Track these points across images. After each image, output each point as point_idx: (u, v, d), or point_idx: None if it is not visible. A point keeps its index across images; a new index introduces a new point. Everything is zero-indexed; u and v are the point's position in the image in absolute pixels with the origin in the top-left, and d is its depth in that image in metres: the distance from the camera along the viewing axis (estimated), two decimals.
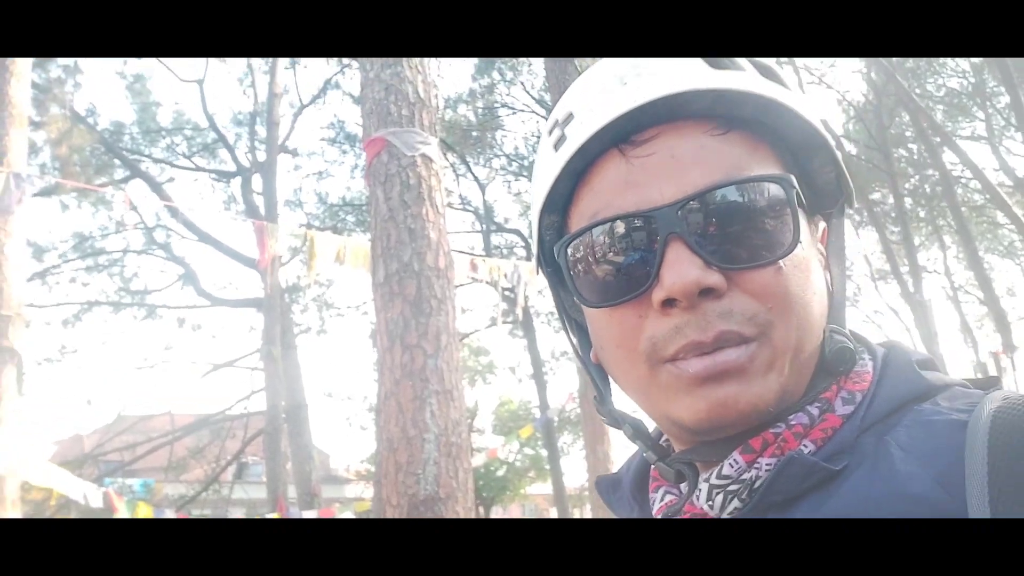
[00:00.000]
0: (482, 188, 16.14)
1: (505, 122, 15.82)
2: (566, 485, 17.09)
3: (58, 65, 12.95)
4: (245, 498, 16.00)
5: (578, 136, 0.55)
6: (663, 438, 0.63)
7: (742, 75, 0.54)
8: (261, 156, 14.35)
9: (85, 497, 7.22)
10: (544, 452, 20.06)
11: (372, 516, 3.99)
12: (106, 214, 14.76)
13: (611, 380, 0.62)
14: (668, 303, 0.51)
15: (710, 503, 0.53)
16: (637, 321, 0.53)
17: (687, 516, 0.55)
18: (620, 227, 0.53)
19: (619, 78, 0.55)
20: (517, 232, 17.13)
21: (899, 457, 0.48)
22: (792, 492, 0.50)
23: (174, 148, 15.74)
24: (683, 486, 0.59)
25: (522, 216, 17.79)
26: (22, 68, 7.38)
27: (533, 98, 15.44)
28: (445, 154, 14.85)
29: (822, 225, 0.61)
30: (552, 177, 0.57)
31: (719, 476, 0.53)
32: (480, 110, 15.67)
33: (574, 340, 0.67)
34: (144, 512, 8.02)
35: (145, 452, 14.22)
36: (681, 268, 0.50)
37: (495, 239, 16.31)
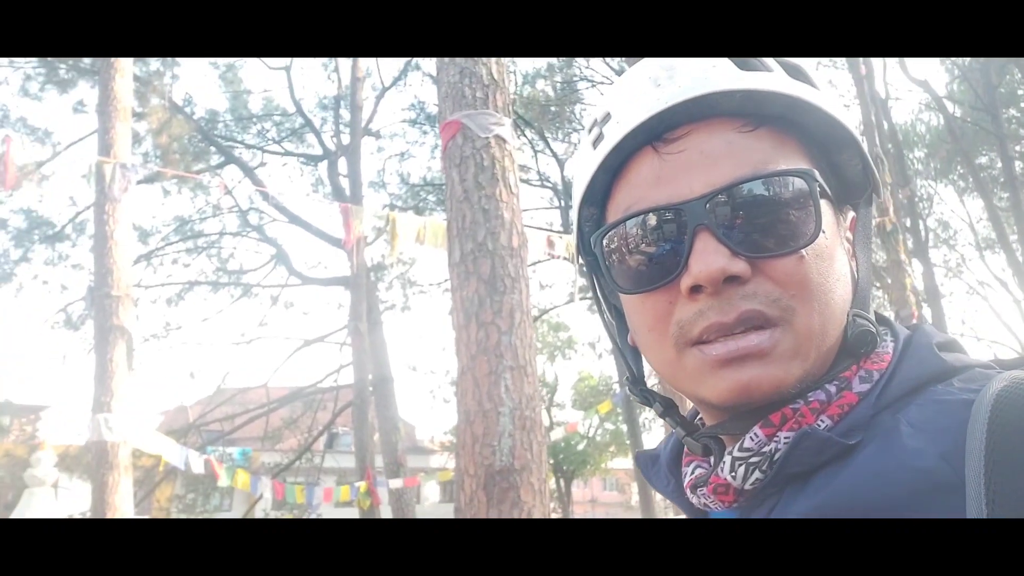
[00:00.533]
0: (560, 164, 16.08)
1: (584, 95, 15.67)
2: None
3: (156, 57, 13.67)
4: (336, 467, 16.67)
5: (614, 135, 0.59)
6: (698, 416, 0.68)
7: (770, 76, 0.58)
8: (346, 139, 14.76)
9: (188, 463, 7.73)
10: (624, 427, 20.05)
11: (454, 485, 4.15)
12: (204, 199, 15.50)
13: (644, 362, 0.67)
14: (695, 289, 0.55)
15: (733, 474, 0.57)
16: (667, 307, 0.57)
17: (712, 486, 0.59)
18: (652, 219, 0.57)
19: (653, 80, 0.59)
20: None
21: (908, 433, 0.50)
22: (807, 465, 0.53)
23: (264, 134, 16.34)
24: (712, 459, 0.63)
25: None
26: (125, 64, 7.85)
27: (613, 69, 15.23)
28: (523, 130, 14.87)
29: (851, 215, 0.64)
30: (590, 172, 0.62)
31: (741, 449, 0.57)
32: (558, 84, 15.59)
33: (612, 324, 0.71)
34: (242, 478, 8.53)
35: (243, 423, 14.98)
36: (708, 257, 0.54)
37: (573, 214, 16.26)
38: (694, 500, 0.63)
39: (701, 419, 0.67)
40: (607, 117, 0.61)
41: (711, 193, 0.55)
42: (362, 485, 10.27)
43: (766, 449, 0.56)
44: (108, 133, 7.27)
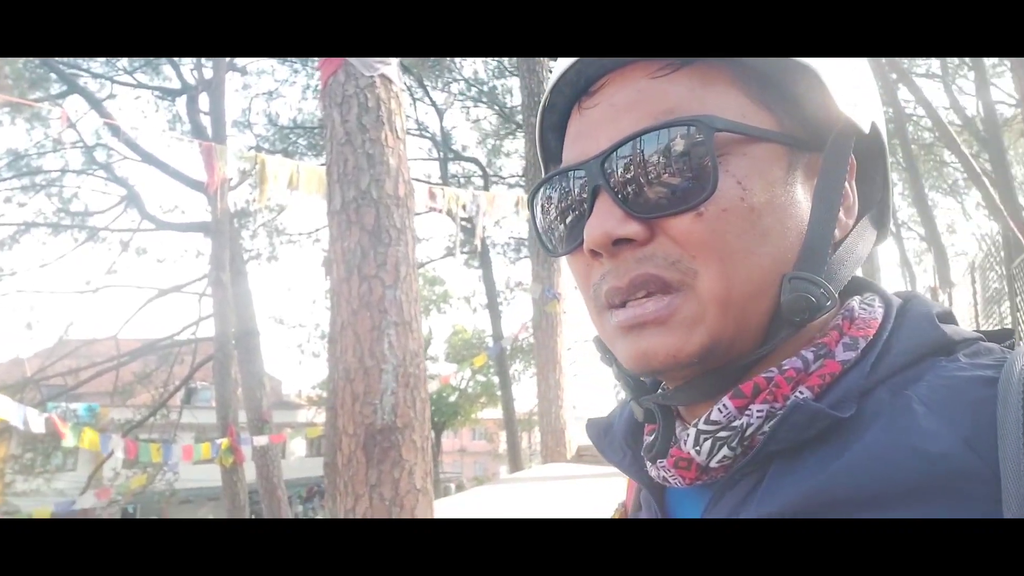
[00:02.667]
0: (440, 113, 15.74)
1: None
2: (516, 410, 17.44)
3: None
4: (194, 423, 15.94)
5: (548, 93, 0.57)
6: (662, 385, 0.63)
7: None
8: (208, 74, 13.68)
9: (26, 422, 7.06)
10: (496, 379, 20.39)
11: (325, 442, 3.98)
12: (43, 131, 14.02)
13: None
14: (594, 253, 0.52)
15: (697, 448, 0.52)
16: (585, 269, 0.55)
17: (673, 459, 0.54)
18: (563, 180, 0.55)
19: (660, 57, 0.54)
20: (475, 161, 16.85)
21: (921, 413, 0.45)
22: (795, 440, 0.48)
23: (114, 63, 14.90)
24: (660, 429, 0.57)
25: (480, 144, 17.48)
26: None
27: None
28: (402, 77, 14.40)
29: (821, 160, 0.55)
30: (538, 134, 0.61)
31: (707, 422, 0.52)
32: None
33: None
34: (90, 437, 7.90)
35: (89, 377, 13.97)
36: (598, 220, 0.51)
37: (452, 167, 16.05)
38: (652, 472, 0.57)
39: (665, 385, 0.61)
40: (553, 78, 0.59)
41: (608, 149, 0.52)
42: (224, 442, 9.80)
43: (736, 423, 0.51)
44: None
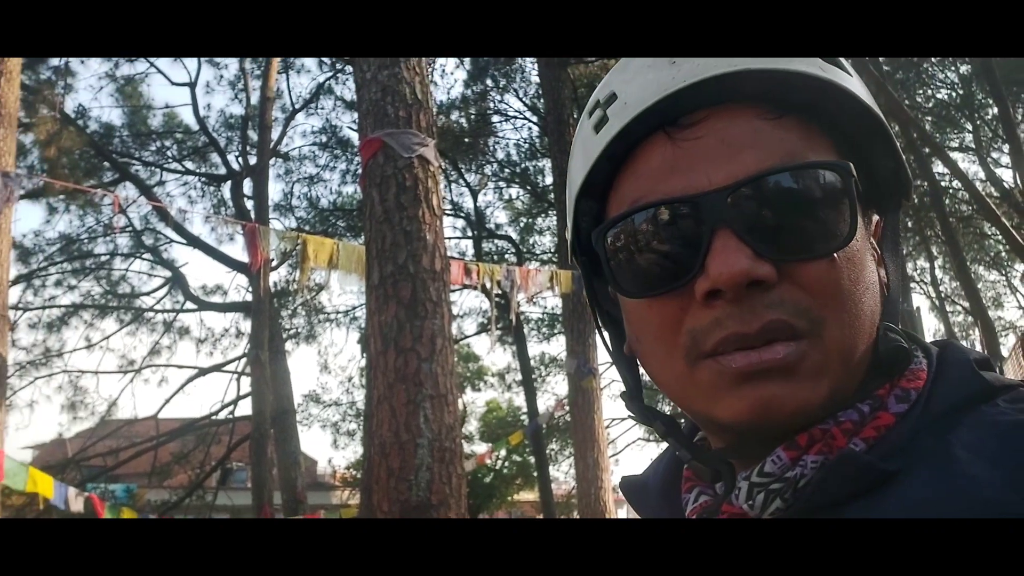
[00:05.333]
0: (474, 194, 16.12)
1: (498, 128, 15.81)
2: (554, 492, 17.02)
3: (48, 67, 12.85)
4: (229, 504, 15.85)
5: (621, 117, 0.52)
6: (697, 436, 0.61)
7: (799, 58, 0.52)
8: (252, 160, 14.26)
9: (67, 502, 7.11)
10: (532, 459, 20.02)
11: (358, 513, 3.93)
12: (94, 217, 14.64)
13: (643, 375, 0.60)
14: (712, 295, 0.48)
15: (750, 503, 0.51)
16: (678, 313, 0.51)
17: (724, 517, 0.53)
18: (664, 213, 0.50)
19: (668, 57, 0.52)
20: (508, 238, 17.11)
21: (966, 459, 0.44)
22: (843, 493, 0.47)
23: (164, 151, 15.63)
24: (719, 486, 0.55)
25: (513, 223, 17.76)
26: (12, 67, 7.31)
27: (526, 104, 15.45)
28: (437, 156, 14.83)
29: (875, 219, 0.58)
30: (591, 161, 0.54)
31: (760, 474, 0.50)
32: (473, 116, 15.65)
33: (606, 333, 0.65)
34: (127, 516, 7.91)
35: (128, 457, 14.07)
36: (729, 257, 0.47)
37: (486, 245, 16.31)
38: None
39: (702, 439, 0.61)
40: (612, 98, 0.54)
41: (734, 185, 0.48)
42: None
43: (789, 474, 0.49)
44: None
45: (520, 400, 21.87)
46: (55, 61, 12.74)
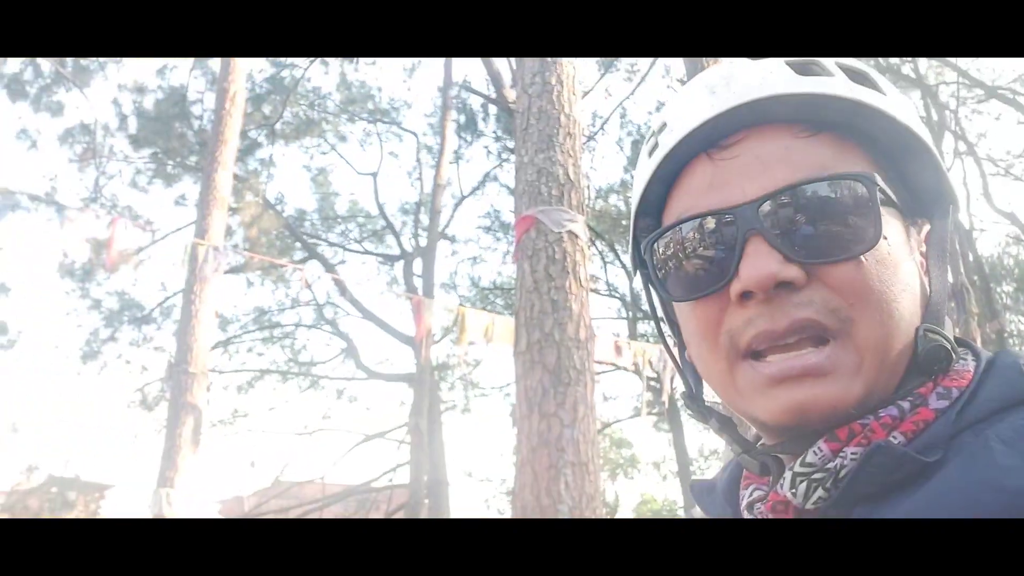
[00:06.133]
0: (629, 275, 16.17)
1: None
2: None
3: (255, 158, 14.71)
4: None
5: (668, 142, 0.58)
6: (761, 440, 0.64)
7: (829, 80, 0.56)
8: (423, 242, 15.30)
9: None
10: None
11: None
12: (284, 291, 16.21)
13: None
14: (745, 296, 0.52)
15: (793, 491, 0.53)
16: (718, 315, 0.55)
17: (771, 504, 0.56)
18: (703, 224, 0.56)
19: (709, 87, 0.58)
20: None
21: (1000, 451, 0.46)
22: (879, 483, 0.49)
23: (347, 234, 17.16)
24: (771, 480, 0.58)
25: None
26: (227, 158, 8.48)
27: None
28: (594, 242, 15.12)
29: (925, 228, 0.61)
30: (644, 181, 0.61)
31: (803, 464, 0.53)
32: (630, 198, 15.83)
33: (670, 339, 0.69)
34: None
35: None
36: (758, 261, 0.52)
37: (641, 327, 16.19)
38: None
39: (763, 442, 0.63)
40: (663, 127, 0.61)
41: (763, 197, 0.53)
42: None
43: (830, 465, 0.52)
44: (205, 220, 7.77)
45: (676, 493, 20.97)
46: (263, 153, 14.61)
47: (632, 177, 0.66)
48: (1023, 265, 16.93)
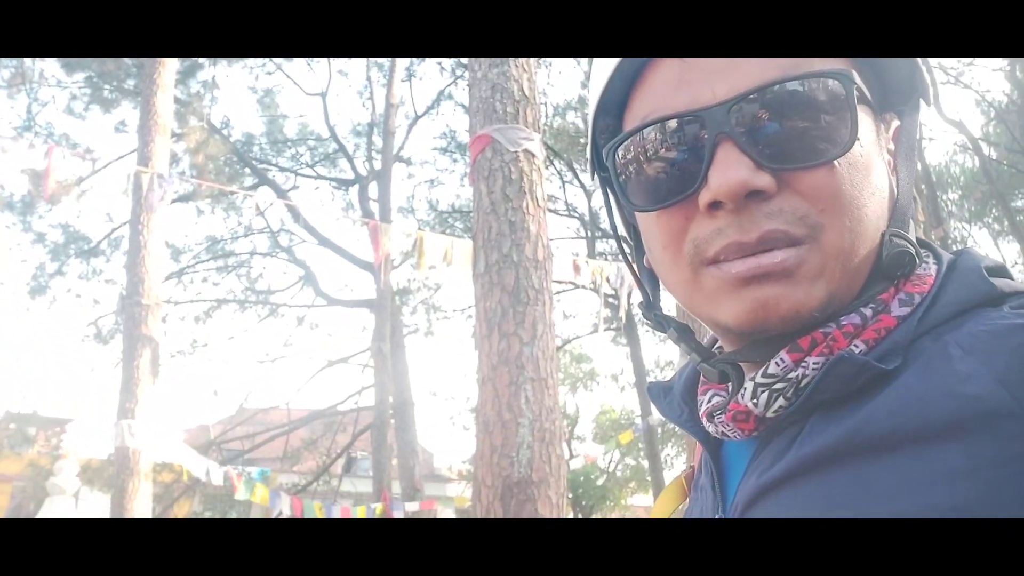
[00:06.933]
0: (588, 195, 16.20)
1: None
2: None
3: (197, 81, 14.10)
4: (353, 491, 16.66)
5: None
6: (717, 344, 0.64)
7: None
8: (377, 165, 15.02)
9: (208, 474, 7.80)
10: (646, 463, 19.79)
11: (470, 503, 4.15)
12: (236, 219, 15.87)
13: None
14: (714, 205, 0.50)
15: (755, 401, 0.52)
16: (683, 223, 0.53)
17: (732, 413, 0.55)
18: (669, 127, 0.52)
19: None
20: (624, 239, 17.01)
21: (958, 356, 0.45)
22: (840, 391, 0.49)
23: (298, 158, 16.73)
24: (731, 387, 0.57)
25: None
26: (167, 81, 8.11)
27: None
28: (552, 161, 15.02)
29: (895, 124, 0.58)
30: (605, 78, 0.56)
31: (764, 375, 0.52)
32: (587, 116, 15.68)
33: (628, 245, 0.66)
34: (261, 492, 8.56)
35: (263, 442, 15.07)
36: (729, 170, 0.49)
37: (600, 245, 16.32)
38: (711, 428, 0.58)
39: (719, 347, 0.63)
40: None
41: (735, 98, 0.50)
42: (378, 507, 10.27)
43: (792, 375, 0.51)
44: (147, 147, 7.48)
45: (634, 402, 21.70)
46: (205, 75, 13.98)
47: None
48: (969, 173, 17.36)
